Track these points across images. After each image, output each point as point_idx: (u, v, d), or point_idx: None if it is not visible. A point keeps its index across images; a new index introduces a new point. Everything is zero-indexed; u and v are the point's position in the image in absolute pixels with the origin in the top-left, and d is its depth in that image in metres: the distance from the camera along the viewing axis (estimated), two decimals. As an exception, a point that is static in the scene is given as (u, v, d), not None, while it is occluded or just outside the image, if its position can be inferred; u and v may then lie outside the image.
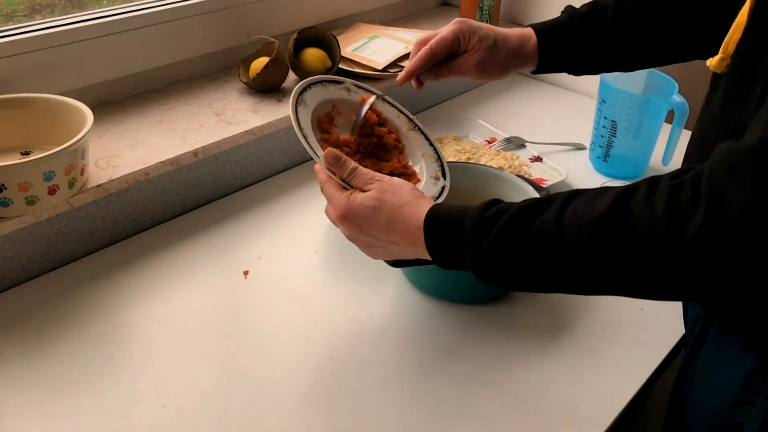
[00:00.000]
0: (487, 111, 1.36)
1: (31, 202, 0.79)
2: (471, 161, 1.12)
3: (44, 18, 0.98)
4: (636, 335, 0.83)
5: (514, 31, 0.83)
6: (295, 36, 1.12)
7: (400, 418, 0.71)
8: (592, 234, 0.51)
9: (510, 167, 1.12)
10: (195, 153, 0.96)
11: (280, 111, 1.06)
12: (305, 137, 0.71)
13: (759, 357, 0.63)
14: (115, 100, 1.06)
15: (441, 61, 0.83)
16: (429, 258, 0.63)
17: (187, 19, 1.07)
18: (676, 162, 1.07)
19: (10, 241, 0.83)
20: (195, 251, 0.93)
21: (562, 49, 0.83)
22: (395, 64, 1.19)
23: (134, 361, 0.75)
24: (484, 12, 1.41)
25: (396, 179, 0.68)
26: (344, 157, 0.68)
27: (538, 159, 1.17)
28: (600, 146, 1.14)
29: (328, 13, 1.29)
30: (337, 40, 1.15)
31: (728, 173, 0.46)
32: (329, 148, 0.69)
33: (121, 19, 1.00)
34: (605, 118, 1.10)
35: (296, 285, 0.88)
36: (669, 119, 1.11)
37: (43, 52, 0.93)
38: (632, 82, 1.13)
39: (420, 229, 0.62)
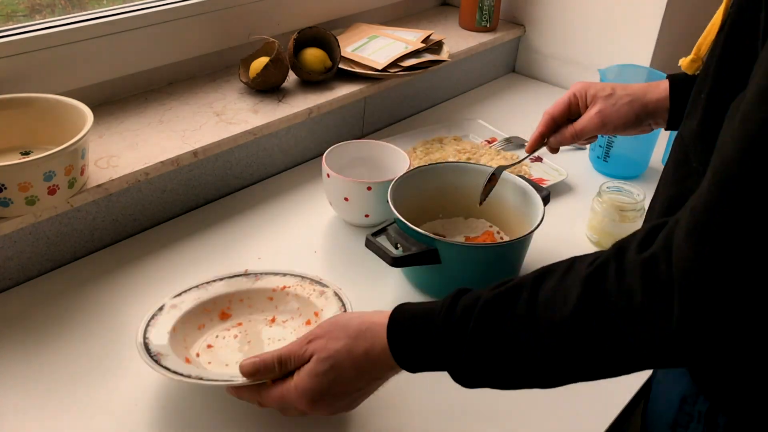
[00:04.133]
0: (487, 111, 1.36)
1: (31, 202, 0.79)
2: (471, 161, 1.12)
3: (44, 18, 0.98)
4: (636, 335, 0.83)
5: (643, 83, 0.81)
6: (295, 36, 1.12)
7: (398, 418, 0.71)
8: (571, 334, 0.47)
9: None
10: (195, 153, 0.96)
11: (280, 111, 1.06)
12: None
13: (693, 380, 0.61)
14: (115, 100, 1.06)
15: (565, 126, 0.83)
16: (401, 369, 0.57)
17: (187, 19, 1.07)
18: (676, 162, 1.07)
19: (10, 241, 0.83)
20: (195, 251, 0.93)
21: None
22: (395, 64, 1.19)
23: (134, 361, 0.75)
24: (484, 12, 1.41)
25: (324, 323, 0.60)
26: (258, 360, 0.61)
27: (538, 159, 1.16)
28: (600, 146, 1.13)
29: (328, 13, 1.29)
30: (337, 40, 1.15)
31: (689, 239, 0.42)
32: (242, 363, 0.62)
33: (121, 19, 1.00)
34: (605, 118, 1.10)
35: (296, 285, 0.88)
36: (669, 119, 1.11)
37: (43, 52, 0.93)
38: (632, 82, 1.13)
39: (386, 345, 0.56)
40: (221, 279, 0.81)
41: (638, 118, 0.81)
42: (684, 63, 0.60)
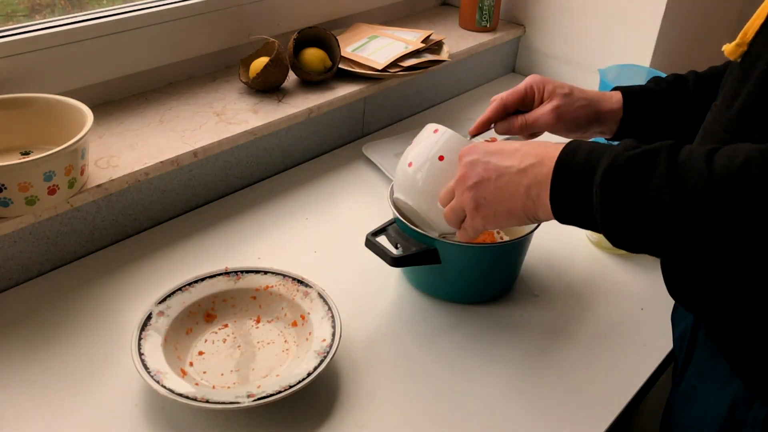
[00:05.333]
0: (487, 111, 1.36)
1: (31, 202, 0.79)
2: (471, 161, 1.12)
3: (44, 18, 0.98)
4: (636, 335, 0.83)
5: (597, 91, 0.82)
6: (295, 36, 1.12)
7: (397, 417, 0.71)
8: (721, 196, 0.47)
9: (510, 167, 1.12)
10: (195, 153, 0.96)
11: (280, 111, 1.06)
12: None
13: (747, 386, 0.60)
14: (115, 100, 1.06)
15: (516, 115, 0.82)
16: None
17: (187, 19, 1.07)
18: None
19: (10, 241, 0.83)
20: (195, 251, 0.93)
21: (648, 113, 0.79)
22: (395, 64, 1.19)
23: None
24: (484, 12, 1.41)
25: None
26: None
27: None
28: (600, 146, 1.13)
29: (328, 13, 1.29)
30: (337, 40, 1.15)
31: None
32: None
33: (121, 19, 1.00)
34: (605, 118, 1.10)
35: (296, 285, 0.88)
36: (669, 119, 1.11)
37: (43, 52, 0.93)
38: (632, 82, 1.12)
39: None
40: (202, 279, 0.81)
41: (588, 123, 0.81)
42: (728, 48, 0.58)
